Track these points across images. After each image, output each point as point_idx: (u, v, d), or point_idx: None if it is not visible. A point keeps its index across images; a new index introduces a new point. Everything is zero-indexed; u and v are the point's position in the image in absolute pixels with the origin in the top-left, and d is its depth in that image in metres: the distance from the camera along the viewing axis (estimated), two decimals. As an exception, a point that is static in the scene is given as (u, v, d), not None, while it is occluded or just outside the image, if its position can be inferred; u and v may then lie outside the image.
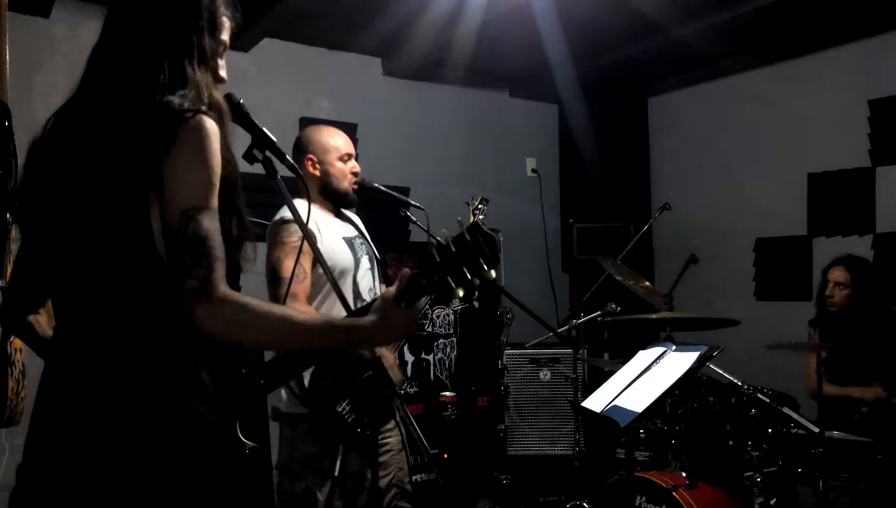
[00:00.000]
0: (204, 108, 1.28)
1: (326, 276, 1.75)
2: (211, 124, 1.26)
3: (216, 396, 1.30)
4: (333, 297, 2.37)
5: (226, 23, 1.42)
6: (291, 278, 1.95)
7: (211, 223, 1.23)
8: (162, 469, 1.21)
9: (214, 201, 1.25)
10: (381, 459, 2.41)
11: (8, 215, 2.01)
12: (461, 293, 1.33)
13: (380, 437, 2.41)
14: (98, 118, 1.28)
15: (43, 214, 1.33)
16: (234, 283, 1.32)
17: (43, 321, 1.47)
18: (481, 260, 1.30)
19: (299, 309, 2.20)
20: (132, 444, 1.21)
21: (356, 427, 2.19)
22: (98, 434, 1.21)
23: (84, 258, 1.27)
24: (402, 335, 1.41)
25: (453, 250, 1.30)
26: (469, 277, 1.31)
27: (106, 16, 1.38)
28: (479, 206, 2.90)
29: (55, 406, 1.26)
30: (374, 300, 1.43)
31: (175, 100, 1.26)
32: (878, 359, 3.34)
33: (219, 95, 1.39)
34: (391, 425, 2.45)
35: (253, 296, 1.25)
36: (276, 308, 1.29)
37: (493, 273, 1.31)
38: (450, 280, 1.31)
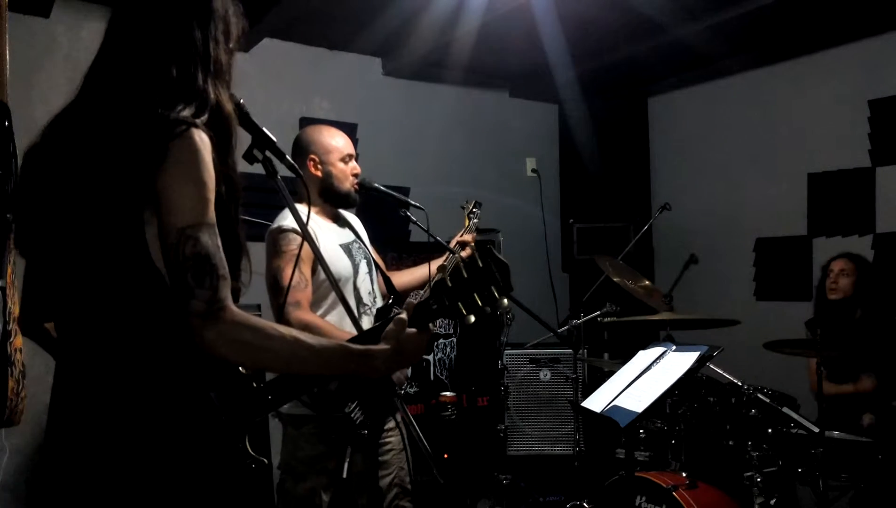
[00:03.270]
0: (199, 121, 1.23)
1: (329, 280, 1.75)
2: (201, 138, 1.21)
3: (223, 408, 1.28)
4: (337, 305, 2.36)
5: (234, 32, 1.39)
6: (289, 286, 1.94)
7: (210, 240, 1.19)
8: (167, 476, 1.20)
9: (211, 216, 1.20)
10: (383, 459, 2.41)
11: (8, 215, 2.01)
12: (472, 320, 1.31)
13: (381, 437, 2.41)
14: (96, 129, 1.24)
15: (38, 228, 1.29)
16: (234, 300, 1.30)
17: None
18: (493, 288, 1.29)
19: (311, 329, 2.14)
20: (137, 459, 1.19)
21: (362, 428, 2.19)
22: (103, 451, 1.19)
23: (80, 276, 1.24)
24: (413, 360, 1.38)
25: (465, 275, 1.30)
26: (480, 304, 1.30)
27: (110, 19, 1.33)
28: (474, 209, 2.85)
29: (61, 423, 1.26)
30: (383, 325, 1.38)
31: (170, 113, 1.21)
32: (875, 354, 3.34)
33: (230, 107, 1.34)
34: (392, 424, 2.44)
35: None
36: (288, 331, 1.24)
37: (505, 302, 1.30)
38: (461, 306, 1.31)
